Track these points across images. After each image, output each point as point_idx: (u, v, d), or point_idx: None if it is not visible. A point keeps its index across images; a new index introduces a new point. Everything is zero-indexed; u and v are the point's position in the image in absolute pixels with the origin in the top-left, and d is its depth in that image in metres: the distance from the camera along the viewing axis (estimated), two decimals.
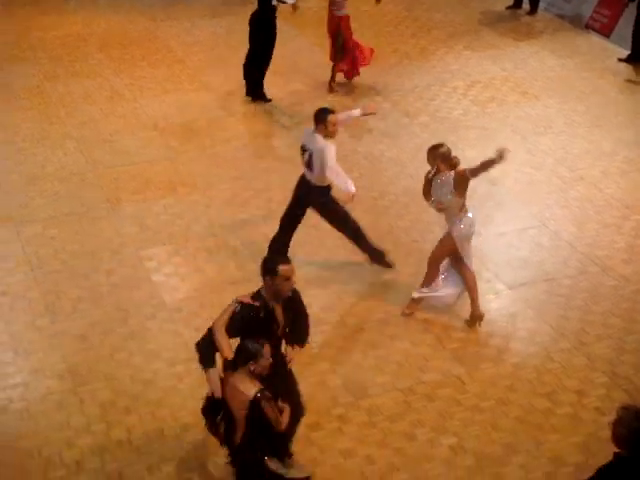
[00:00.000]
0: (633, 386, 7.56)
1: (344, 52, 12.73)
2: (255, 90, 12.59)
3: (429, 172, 8.01)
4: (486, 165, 7.64)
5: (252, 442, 5.73)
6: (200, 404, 6.94)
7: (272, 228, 9.73)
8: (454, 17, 15.52)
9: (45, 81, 13.29)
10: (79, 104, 12.60)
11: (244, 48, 12.65)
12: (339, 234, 9.06)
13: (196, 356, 7.97)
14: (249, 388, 5.64)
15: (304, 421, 6.79)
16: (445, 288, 8.27)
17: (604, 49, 14.26)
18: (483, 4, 16.14)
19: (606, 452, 5.02)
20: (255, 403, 5.58)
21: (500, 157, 7.48)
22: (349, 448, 6.95)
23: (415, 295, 8.32)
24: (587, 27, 14.93)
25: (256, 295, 6.18)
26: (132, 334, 8.25)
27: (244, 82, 12.65)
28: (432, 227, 9.49)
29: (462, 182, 7.75)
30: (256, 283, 8.82)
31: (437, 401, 7.45)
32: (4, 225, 9.82)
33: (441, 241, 8.17)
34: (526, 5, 15.73)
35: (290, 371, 6.55)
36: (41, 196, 10.41)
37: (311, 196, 8.80)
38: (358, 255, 9.06)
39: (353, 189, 8.46)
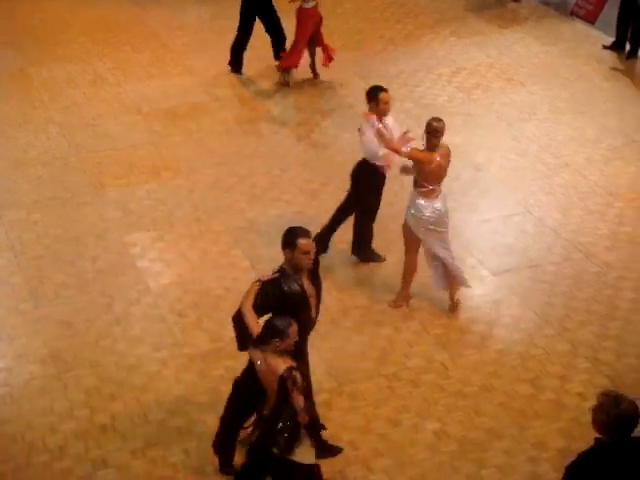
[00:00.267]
0: (615, 372, 7.61)
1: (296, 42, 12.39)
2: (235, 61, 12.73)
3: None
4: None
5: (277, 416, 5.72)
6: (183, 389, 6.99)
7: (256, 213, 9.75)
8: (440, 3, 15.48)
9: (28, 65, 13.18)
10: (62, 88, 12.52)
11: (229, 33, 12.60)
12: (322, 220, 9.06)
13: (178, 341, 8.00)
14: (279, 364, 5.68)
15: None
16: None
17: (589, 36, 14.26)
18: None
19: (588, 437, 5.05)
20: (283, 379, 5.62)
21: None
22: (332, 434, 6.94)
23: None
24: (572, 14, 14.92)
25: (277, 271, 6.24)
26: (117, 320, 8.23)
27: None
28: None
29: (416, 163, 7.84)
30: (240, 268, 8.90)
31: (421, 387, 7.48)
32: None
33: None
34: None
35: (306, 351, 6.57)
36: (24, 181, 10.36)
37: (357, 168, 8.76)
38: (342, 242, 9.05)
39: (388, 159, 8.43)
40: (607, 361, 7.75)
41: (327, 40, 12.47)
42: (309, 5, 12.15)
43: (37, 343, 7.92)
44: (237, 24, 12.60)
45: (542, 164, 10.72)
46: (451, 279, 8.18)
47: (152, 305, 8.41)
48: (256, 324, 5.97)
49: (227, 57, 12.86)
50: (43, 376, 7.56)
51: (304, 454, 5.85)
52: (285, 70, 12.49)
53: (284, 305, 6.04)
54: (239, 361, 7.67)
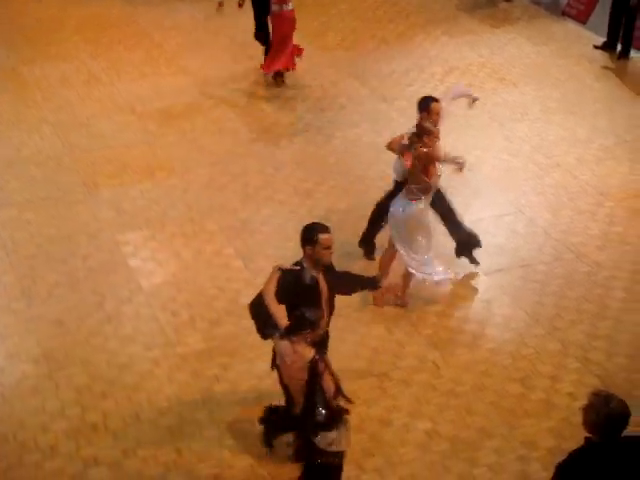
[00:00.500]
0: (605, 372, 7.65)
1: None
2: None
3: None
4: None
5: (312, 407, 5.80)
6: (176, 388, 6.99)
7: (249, 213, 9.76)
8: (432, 3, 15.52)
9: (21, 65, 13.19)
10: (55, 88, 12.52)
11: (223, 32, 12.60)
12: (314, 219, 9.06)
13: (171, 340, 8.01)
14: (307, 352, 5.76)
15: None
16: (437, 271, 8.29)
17: (580, 36, 14.31)
18: None
19: (578, 437, 5.07)
20: (314, 364, 5.69)
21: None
22: None
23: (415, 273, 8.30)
24: (563, 14, 14.97)
25: (296, 264, 6.33)
26: (108, 318, 8.24)
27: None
28: None
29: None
30: (233, 268, 8.92)
31: (413, 386, 7.50)
32: None
33: None
34: None
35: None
36: (17, 180, 10.36)
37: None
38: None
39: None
40: (597, 361, 7.78)
41: (322, 40, 12.47)
42: (288, 8, 12.05)
43: (29, 342, 7.93)
44: (232, 23, 12.56)
45: (534, 164, 10.75)
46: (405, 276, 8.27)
47: (144, 304, 8.42)
48: (281, 314, 6.05)
49: (222, 57, 12.85)
50: (35, 375, 7.57)
51: (340, 440, 5.95)
52: (277, 73, 12.46)
53: (298, 298, 6.13)
54: (232, 360, 7.74)
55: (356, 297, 8.50)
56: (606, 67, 13.29)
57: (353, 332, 8.10)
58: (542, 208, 9.91)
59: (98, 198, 10.04)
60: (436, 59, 13.51)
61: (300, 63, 12.62)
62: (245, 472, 6.68)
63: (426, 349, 7.91)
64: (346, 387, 7.37)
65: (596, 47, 13.79)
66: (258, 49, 12.82)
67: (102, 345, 7.93)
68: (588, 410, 4.90)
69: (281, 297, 6.16)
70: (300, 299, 6.10)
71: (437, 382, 7.55)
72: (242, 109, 12.11)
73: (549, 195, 10.17)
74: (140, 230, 9.50)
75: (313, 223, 6.50)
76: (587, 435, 4.96)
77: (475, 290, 8.68)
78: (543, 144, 11.19)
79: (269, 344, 7.85)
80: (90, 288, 8.62)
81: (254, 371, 7.60)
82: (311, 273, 6.32)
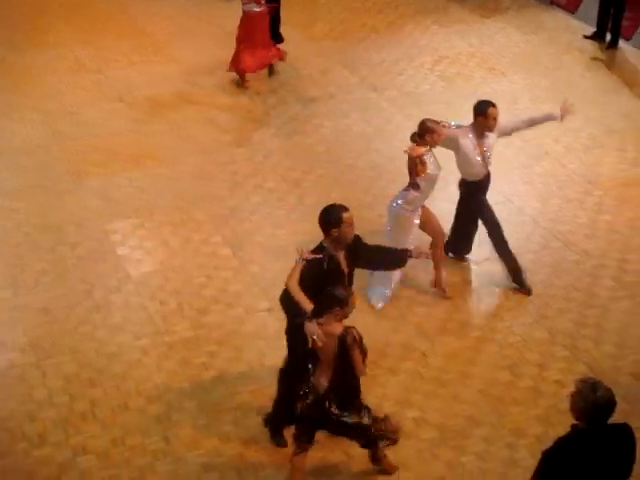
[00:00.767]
0: (593, 359, 7.67)
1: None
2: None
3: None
4: None
5: (340, 385, 5.89)
6: (164, 377, 6.97)
7: (237, 201, 9.75)
8: None
9: (9, 52, 13.11)
10: (43, 76, 12.46)
11: (212, 21, 12.55)
12: (304, 208, 9.07)
13: (160, 329, 8.01)
14: (336, 327, 5.84)
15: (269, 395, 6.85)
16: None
17: (569, 26, 14.31)
18: None
19: (566, 424, 5.10)
20: (343, 338, 5.77)
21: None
22: None
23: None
24: (552, 3, 14.98)
25: (318, 249, 6.34)
26: (97, 307, 8.22)
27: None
28: None
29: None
30: (221, 256, 8.90)
31: (400, 375, 7.51)
32: None
33: None
34: None
35: None
36: (6, 169, 10.31)
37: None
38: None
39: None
40: (585, 348, 7.81)
41: (311, 30, 12.41)
42: (252, 9, 11.82)
43: (16, 331, 7.90)
44: (221, 11, 12.40)
45: (523, 153, 10.76)
46: None
47: (133, 293, 8.40)
48: (307, 300, 6.08)
49: (211, 45, 12.80)
50: (22, 364, 7.54)
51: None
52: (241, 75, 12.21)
53: (322, 283, 6.12)
54: (221, 348, 7.74)
55: None
56: (595, 57, 13.29)
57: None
58: (531, 197, 9.92)
59: (86, 187, 10.00)
60: (426, 48, 13.49)
61: (290, 53, 12.57)
62: (234, 460, 6.68)
63: (414, 338, 7.92)
64: None
65: (586, 37, 13.79)
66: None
67: (91, 334, 7.91)
68: (575, 397, 4.93)
69: (307, 286, 6.16)
70: (325, 283, 6.13)
71: (425, 371, 7.57)
72: (231, 98, 12.06)
73: (538, 184, 10.18)
74: (128, 219, 9.47)
75: (332, 205, 6.47)
76: (574, 422, 4.99)
77: (463, 279, 8.69)
78: (532, 133, 11.10)
79: (259, 332, 7.93)
80: (78, 277, 8.59)
81: (243, 359, 7.61)
82: (333, 255, 6.34)
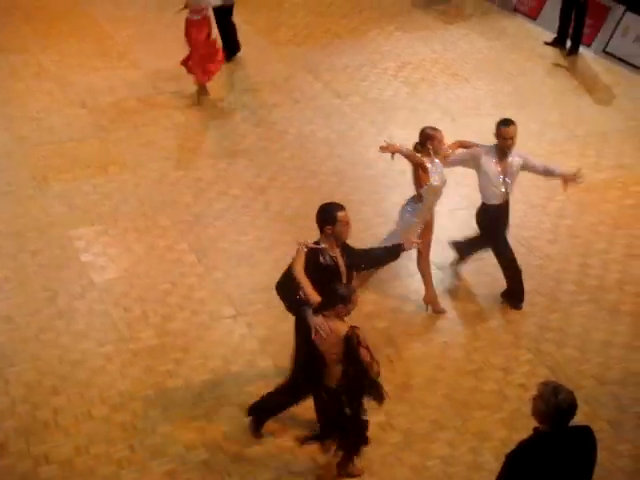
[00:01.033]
0: (555, 363, 7.74)
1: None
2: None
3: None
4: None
5: (351, 382, 5.97)
6: (129, 384, 6.89)
7: (201, 207, 9.71)
8: None
9: None
10: (5, 80, 12.35)
11: (174, 24, 12.48)
12: (269, 215, 9.05)
13: (124, 336, 7.93)
14: (341, 326, 5.89)
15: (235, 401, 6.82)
16: None
17: (531, 32, 14.47)
18: None
19: (529, 427, 5.13)
20: (349, 337, 5.83)
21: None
22: (281, 426, 6.96)
23: None
24: (515, 10, 15.14)
25: (315, 244, 6.43)
26: (60, 314, 8.14)
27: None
28: (360, 208, 9.57)
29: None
30: (186, 262, 8.86)
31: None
32: None
33: None
34: None
35: None
36: None
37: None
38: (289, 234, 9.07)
39: None
40: (548, 352, 7.88)
41: (274, 35, 12.42)
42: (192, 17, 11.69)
43: None
44: (183, 15, 12.36)
45: None
46: None
47: (97, 299, 8.34)
48: (313, 289, 6.15)
49: (174, 50, 12.69)
50: None
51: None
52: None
53: (319, 276, 6.24)
54: (186, 356, 7.70)
55: None
56: (557, 63, 13.46)
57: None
58: None
59: (49, 193, 9.92)
60: (389, 54, 13.56)
61: (254, 57, 12.58)
62: (199, 468, 6.65)
63: (380, 343, 7.93)
64: None
65: (547, 43, 13.95)
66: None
67: (54, 341, 7.83)
68: (537, 401, 4.98)
69: (309, 275, 6.27)
70: (322, 277, 6.24)
71: (391, 376, 7.56)
72: (194, 104, 12.02)
73: None
74: (92, 225, 9.40)
75: (328, 203, 6.57)
76: (536, 425, 5.03)
77: None
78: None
79: (224, 339, 7.90)
80: (40, 284, 8.51)
81: (208, 366, 7.57)
82: (330, 253, 6.44)
